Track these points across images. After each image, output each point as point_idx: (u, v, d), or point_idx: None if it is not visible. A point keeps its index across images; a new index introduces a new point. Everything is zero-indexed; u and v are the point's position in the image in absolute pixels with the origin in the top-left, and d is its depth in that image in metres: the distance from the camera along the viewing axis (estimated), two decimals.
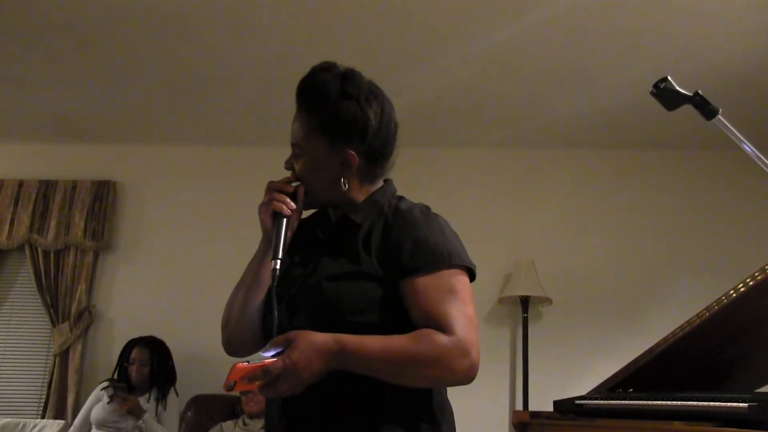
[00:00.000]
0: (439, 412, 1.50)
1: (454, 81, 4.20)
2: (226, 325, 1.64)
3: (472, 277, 1.52)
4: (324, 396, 1.40)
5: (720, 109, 1.67)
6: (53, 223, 4.99)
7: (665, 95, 1.72)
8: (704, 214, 4.90)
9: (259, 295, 1.58)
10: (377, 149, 1.57)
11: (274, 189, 1.58)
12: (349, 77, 1.58)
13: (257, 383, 1.30)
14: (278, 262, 1.46)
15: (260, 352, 1.33)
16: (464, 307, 1.41)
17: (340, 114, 1.53)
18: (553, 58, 3.94)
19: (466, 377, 1.37)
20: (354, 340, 1.34)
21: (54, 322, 4.81)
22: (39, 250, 4.95)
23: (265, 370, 1.28)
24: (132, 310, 4.93)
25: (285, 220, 1.53)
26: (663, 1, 3.40)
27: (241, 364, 1.27)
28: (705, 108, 1.67)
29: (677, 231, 4.87)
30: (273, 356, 1.30)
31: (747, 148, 1.63)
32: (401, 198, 1.63)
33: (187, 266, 5.02)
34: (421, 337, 1.36)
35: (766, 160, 1.61)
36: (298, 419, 1.45)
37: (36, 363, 4.89)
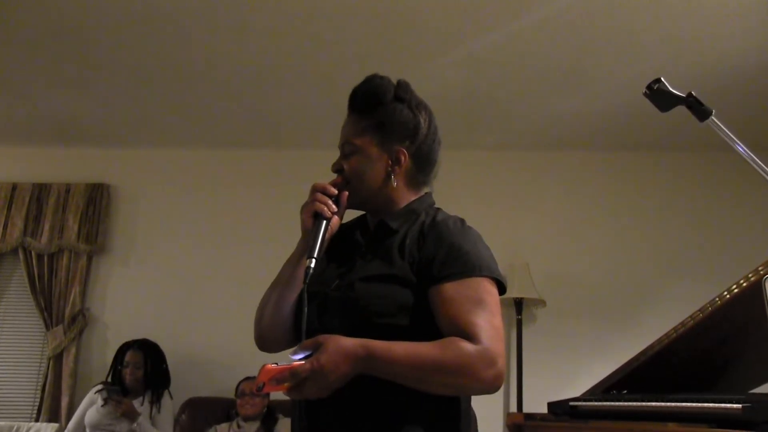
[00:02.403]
0: (464, 419, 1.51)
1: (449, 83, 4.20)
2: (259, 321, 1.64)
3: (502, 290, 1.54)
4: (346, 399, 1.41)
5: (713, 111, 1.67)
6: (47, 226, 4.98)
7: (659, 96, 1.72)
8: (698, 216, 4.91)
9: (294, 294, 1.60)
10: (425, 154, 1.67)
11: (317, 190, 1.61)
12: (402, 85, 1.69)
13: (285, 385, 1.31)
14: (313, 260, 1.49)
15: (289, 355, 1.35)
16: (491, 317, 1.42)
17: (394, 114, 1.63)
18: (547, 60, 3.95)
19: (492, 386, 1.38)
20: (381, 345, 1.35)
21: (48, 326, 4.79)
22: (33, 253, 4.93)
23: (293, 372, 1.30)
24: (126, 313, 4.92)
25: (325, 221, 1.56)
26: (657, 3, 3.41)
27: (270, 365, 1.30)
28: (698, 109, 1.68)
29: (671, 233, 4.88)
30: (302, 359, 1.32)
31: (740, 149, 1.64)
32: (439, 209, 1.68)
33: (180, 269, 5.01)
34: (448, 345, 1.36)
35: (759, 162, 1.61)
36: (320, 421, 1.47)
37: (30, 366, 4.87)
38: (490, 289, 1.47)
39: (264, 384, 1.31)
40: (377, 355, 1.34)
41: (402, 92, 1.67)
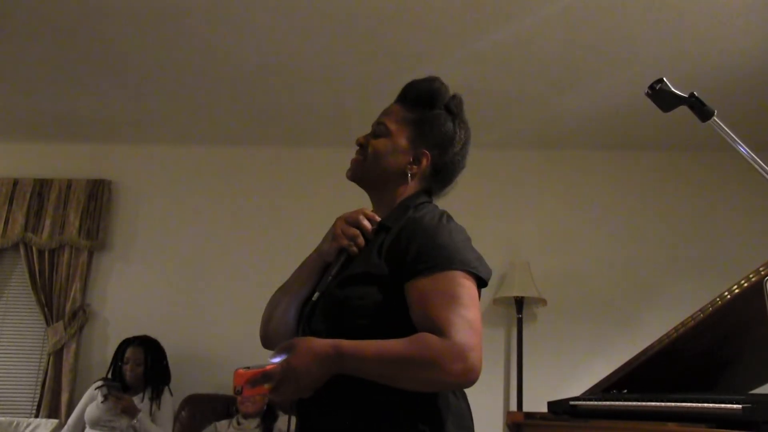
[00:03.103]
0: (451, 414, 1.50)
1: (450, 82, 4.16)
2: (267, 323, 1.70)
3: (482, 283, 1.54)
4: (331, 398, 1.44)
5: (715, 111, 1.67)
6: (48, 222, 4.98)
7: (661, 96, 1.72)
8: (699, 216, 4.90)
9: (301, 302, 1.65)
10: (448, 169, 1.70)
11: (357, 223, 1.62)
12: (456, 98, 1.75)
13: (264, 387, 1.35)
14: (317, 295, 1.55)
15: (269, 357, 1.38)
16: (464, 311, 1.40)
17: (437, 120, 1.68)
18: (548, 60, 3.94)
19: (463, 380, 1.38)
20: (351, 344, 1.37)
21: (48, 321, 4.80)
22: (33, 249, 4.94)
23: (265, 374, 1.35)
24: (126, 310, 4.92)
25: (345, 256, 1.60)
26: (659, 3, 3.40)
27: (241, 369, 1.34)
28: (700, 109, 1.67)
29: (672, 232, 4.88)
30: (278, 362, 1.36)
31: (742, 149, 1.64)
32: (426, 204, 1.66)
33: (181, 265, 5.01)
34: (416, 340, 1.36)
35: (761, 162, 1.61)
36: (309, 419, 1.51)
37: (30, 362, 4.88)
38: (463, 282, 1.45)
39: (242, 388, 1.34)
40: (347, 354, 1.35)
41: (454, 106, 1.72)
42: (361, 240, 1.59)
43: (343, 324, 1.47)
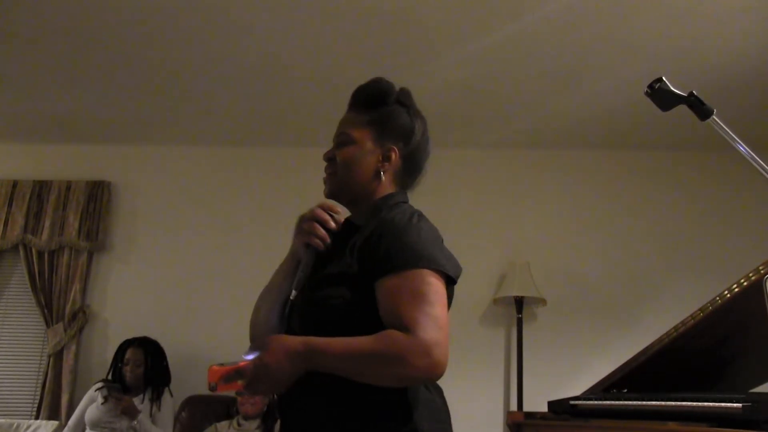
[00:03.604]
0: (416, 408, 1.50)
1: (449, 82, 4.20)
2: (253, 326, 1.75)
3: (452, 281, 1.55)
4: (304, 394, 1.50)
5: (715, 110, 1.67)
6: (47, 223, 4.98)
7: (660, 96, 1.72)
8: (698, 215, 4.90)
9: (282, 304, 1.70)
10: (416, 159, 1.73)
11: (318, 219, 1.67)
12: (405, 92, 1.77)
13: (237, 384, 1.41)
14: (294, 294, 1.61)
15: (243, 355, 1.42)
16: (429, 308, 1.43)
17: (394, 115, 1.71)
18: (547, 59, 3.94)
19: (428, 375, 1.41)
20: (321, 341, 1.42)
21: (48, 323, 4.79)
22: (33, 250, 4.93)
23: (238, 371, 1.41)
24: (126, 311, 4.92)
25: (314, 252, 1.65)
26: (658, 2, 3.41)
27: (215, 366, 1.40)
28: (700, 108, 1.67)
29: (671, 232, 4.88)
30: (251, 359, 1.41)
31: (741, 148, 1.64)
32: (400, 205, 1.68)
33: (181, 266, 5.01)
34: (382, 337, 1.40)
35: (760, 161, 1.61)
36: (290, 416, 1.57)
37: (30, 363, 4.87)
38: (430, 280, 1.47)
39: (216, 384, 1.40)
40: (317, 351, 1.40)
41: (404, 98, 1.75)
42: (321, 231, 1.64)
43: (318, 323, 1.52)
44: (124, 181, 5.24)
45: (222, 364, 1.40)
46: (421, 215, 1.64)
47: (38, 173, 5.19)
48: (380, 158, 1.68)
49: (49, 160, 5.27)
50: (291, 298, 1.61)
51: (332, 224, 1.66)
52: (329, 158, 1.71)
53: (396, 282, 1.47)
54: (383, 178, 1.67)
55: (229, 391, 1.45)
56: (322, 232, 1.65)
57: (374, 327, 1.44)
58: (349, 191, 1.70)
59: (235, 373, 1.40)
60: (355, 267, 1.54)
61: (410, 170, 1.73)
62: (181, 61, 4.11)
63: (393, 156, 1.68)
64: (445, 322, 1.44)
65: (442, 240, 1.62)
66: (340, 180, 1.69)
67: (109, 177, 5.21)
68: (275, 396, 1.57)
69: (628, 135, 4.84)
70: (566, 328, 4.69)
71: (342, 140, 1.70)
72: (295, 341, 1.43)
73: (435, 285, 1.48)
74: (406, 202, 1.72)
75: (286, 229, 1.80)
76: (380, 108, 1.71)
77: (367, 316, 1.48)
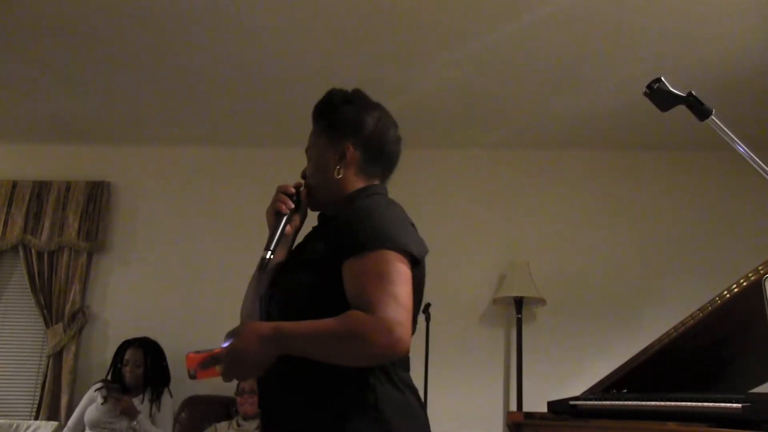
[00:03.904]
0: (384, 406, 1.53)
1: (449, 82, 4.20)
2: (242, 312, 1.86)
3: (416, 261, 1.58)
4: (275, 383, 1.58)
5: (713, 110, 1.67)
6: (47, 223, 4.98)
7: (659, 96, 1.72)
8: (697, 215, 4.90)
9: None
10: (373, 146, 1.77)
11: (279, 191, 1.78)
12: (353, 91, 1.84)
13: (215, 369, 1.48)
14: (269, 252, 1.67)
15: (222, 343, 1.48)
16: (391, 287, 1.46)
17: (341, 115, 1.78)
18: (547, 59, 3.95)
19: (390, 352, 1.43)
20: (288, 325, 1.48)
21: (48, 323, 4.79)
22: (33, 250, 4.93)
23: (213, 357, 1.48)
24: (126, 311, 4.92)
25: (284, 217, 1.73)
26: (657, 3, 3.41)
27: (191, 353, 1.47)
28: (698, 108, 1.67)
29: (671, 232, 4.88)
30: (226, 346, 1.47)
31: (740, 148, 1.64)
32: (373, 196, 1.73)
33: (180, 267, 5.01)
34: (346, 317, 1.44)
35: (759, 161, 1.61)
36: (268, 400, 1.64)
37: (29, 364, 4.87)
38: (392, 260, 1.51)
39: (195, 371, 1.47)
40: (284, 333, 1.46)
41: (351, 96, 1.83)
42: (283, 197, 1.75)
43: (291, 307, 1.58)
44: (124, 182, 5.24)
45: (198, 352, 1.47)
46: (392, 203, 1.69)
47: (38, 173, 5.19)
48: (338, 158, 1.73)
49: (49, 160, 5.27)
50: (265, 257, 1.66)
51: (292, 189, 1.77)
52: (303, 176, 1.81)
53: (359, 263, 1.51)
54: (342, 174, 1.73)
55: (208, 378, 1.50)
56: (284, 197, 1.75)
57: (343, 309, 1.47)
58: (322, 197, 1.77)
59: (211, 359, 1.46)
60: (326, 253, 1.59)
61: (372, 158, 1.77)
62: (181, 61, 4.11)
63: (348, 152, 1.73)
64: (408, 301, 1.48)
65: (412, 224, 1.67)
66: (313, 190, 1.77)
67: (109, 177, 5.21)
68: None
69: (627, 135, 4.84)
70: (566, 328, 4.70)
71: (308, 156, 1.82)
72: (265, 326, 1.49)
73: (397, 265, 1.51)
74: (380, 193, 1.76)
75: None
76: (329, 112, 1.81)
77: (335, 299, 1.51)
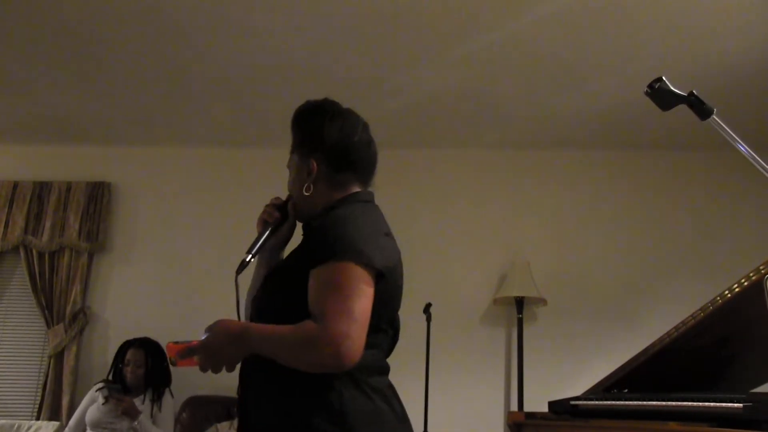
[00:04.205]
0: (348, 413, 1.56)
1: (449, 82, 4.20)
2: (244, 315, 1.88)
3: (381, 273, 1.60)
4: (251, 377, 1.67)
5: (715, 110, 1.67)
6: (48, 224, 4.98)
7: (660, 95, 1.72)
8: (699, 215, 4.90)
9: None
10: (337, 156, 1.77)
11: (268, 204, 1.87)
12: (323, 101, 1.88)
13: (193, 359, 1.56)
14: (249, 256, 1.75)
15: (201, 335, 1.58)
16: (342, 298, 1.50)
17: (306, 130, 1.82)
18: (547, 59, 3.94)
19: (335, 363, 1.47)
20: (255, 326, 1.58)
21: (49, 324, 4.80)
22: (34, 251, 4.93)
23: (189, 349, 1.56)
24: (127, 312, 4.92)
25: (270, 227, 1.82)
26: (658, 2, 3.40)
27: (171, 343, 1.59)
28: (700, 108, 1.67)
29: (672, 231, 4.88)
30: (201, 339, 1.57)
31: (742, 148, 1.63)
32: (352, 203, 1.75)
33: (181, 267, 5.01)
34: (299, 326, 1.50)
35: (761, 161, 1.61)
36: (245, 395, 1.72)
37: (31, 364, 4.87)
38: (351, 273, 1.53)
39: (176, 359, 1.57)
40: (250, 333, 1.54)
41: (317, 108, 1.85)
42: (275, 212, 1.83)
43: (267, 312, 1.66)
44: (125, 182, 5.24)
45: (177, 342, 1.57)
46: (368, 210, 1.74)
47: (38, 174, 5.19)
48: (305, 175, 1.77)
49: (50, 161, 5.27)
50: (246, 259, 1.74)
51: (280, 201, 1.86)
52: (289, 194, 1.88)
53: (321, 273, 1.55)
54: (312, 190, 1.76)
55: (188, 366, 1.59)
56: (271, 208, 1.84)
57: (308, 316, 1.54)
58: (303, 212, 1.82)
59: (188, 350, 1.56)
60: (298, 260, 1.66)
61: (340, 168, 1.77)
62: (182, 62, 4.11)
63: (312, 168, 1.76)
64: (362, 315, 1.51)
65: (386, 233, 1.70)
66: (296, 206, 1.83)
67: (110, 178, 5.21)
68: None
69: (629, 135, 4.83)
70: (567, 328, 4.69)
71: (288, 171, 1.87)
72: (236, 325, 1.57)
73: (355, 278, 1.53)
74: (361, 200, 1.78)
75: None
76: (296, 128, 1.85)
77: (304, 306, 1.55)
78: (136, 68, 4.19)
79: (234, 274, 1.71)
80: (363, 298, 1.52)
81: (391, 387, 1.69)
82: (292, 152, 1.85)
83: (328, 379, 1.55)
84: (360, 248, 1.56)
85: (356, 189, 1.79)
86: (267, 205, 1.87)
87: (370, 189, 1.83)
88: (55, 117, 4.88)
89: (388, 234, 1.70)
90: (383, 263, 1.59)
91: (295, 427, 1.55)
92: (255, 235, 1.81)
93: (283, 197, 1.88)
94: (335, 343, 1.44)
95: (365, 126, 1.85)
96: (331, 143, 1.76)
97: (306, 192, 1.76)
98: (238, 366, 1.62)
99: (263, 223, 1.83)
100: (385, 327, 1.68)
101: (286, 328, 1.51)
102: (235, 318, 1.68)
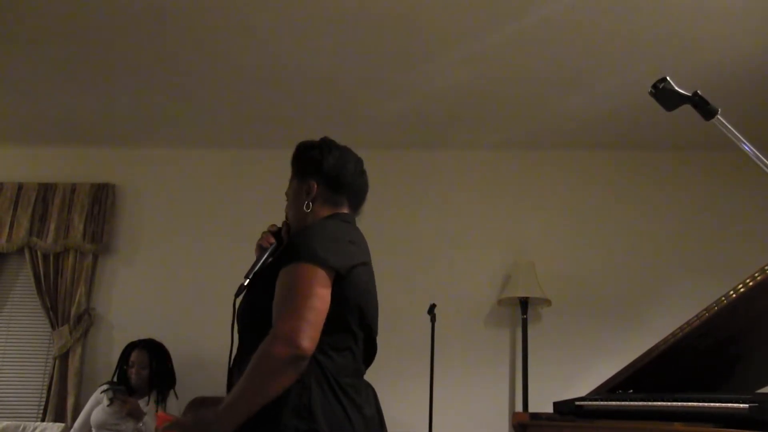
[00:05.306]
0: (315, 413, 1.66)
1: (453, 83, 4.20)
2: None
3: (339, 273, 1.74)
4: (236, 368, 1.78)
5: (719, 109, 1.66)
6: (52, 226, 4.99)
7: (664, 95, 1.72)
8: (703, 215, 4.89)
9: None
10: (334, 178, 1.99)
11: (264, 231, 2.03)
12: (321, 139, 2.09)
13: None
14: (246, 280, 1.87)
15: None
16: (294, 298, 1.65)
17: (306, 159, 2.05)
18: (551, 59, 3.94)
19: (289, 358, 1.59)
20: (208, 412, 1.67)
21: (54, 325, 4.80)
22: (38, 253, 4.94)
23: (171, 425, 1.73)
24: (131, 313, 4.92)
25: (267, 251, 1.95)
26: (662, 2, 3.40)
27: (161, 413, 1.76)
28: (704, 108, 1.67)
29: (676, 231, 4.87)
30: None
31: (746, 147, 1.63)
32: (329, 219, 1.94)
33: (185, 269, 5.01)
34: (254, 358, 1.63)
35: (765, 160, 1.61)
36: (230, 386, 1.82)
37: (36, 366, 4.88)
38: (305, 272, 1.69)
39: (162, 429, 1.72)
40: (206, 422, 1.65)
41: (317, 144, 2.07)
42: (270, 238, 1.99)
43: (247, 320, 1.82)
44: (129, 184, 5.24)
45: (167, 414, 1.81)
46: (338, 223, 1.92)
47: (43, 176, 5.20)
48: (305, 194, 1.98)
49: (54, 162, 5.28)
50: (243, 283, 1.87)
51: (276, 227, 2.03)
52: (286, 216, 2.07)
53: (281, 275, 1.72)
54: (311, 207, 1.96)
55: None
56: (268, 235, 2.01)
57: None
58: (297, 229, 1.97)
59: (170, 425, 1.71)
60: (273, 269, 1.79)
61: (334, 189, 1.99)
62: (185, 64, 4.11)
63: (312, 187, 1.98)
64: (309, 312, 1.63)
65: (350, 240, 1.86)
66: (291, 224, 2.02)
67: (114, 179, 5.21)
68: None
69: (633, 135, 4.83)
70: (571, 328, 4.69)
71: (286, 198, 2.09)
72: (188, 419, 1.77)
73: (309, 277, 1.68)
74: (338, 219, 1.96)
75: None
76: (296, 159, 2.08)
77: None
78: (140, 70, 4.20)
79: (233, 297, 1.88)
80: (313, 296, 1.65)
81: (367, 389, 1.82)
82: (291, 180, 2.06)
83: (301, 377, 1.64)
84: (316, 250, 1.72)
85: (345, 211, 2.00)
86: (264, 232, 2.02)
87: (357, 215, 2.05)
88: (60, 119, 4.89)
89: (354, 242, 1.87)
90: (340, 263, 1.74)
91: (263, 419, 1.62)
92: (257, 236, 1.96)
93: (284, 197, 2.04)
94: (287, 341, 1.58)
95: (359, 160, 2.08)
96: (328, 168, 1.99)
97: (306, 209, 1.95)
98: None
99: (260, 249, 1.98)
100: (355, 330, 1.80)
101: (239, 383, 1.63)
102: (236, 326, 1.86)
